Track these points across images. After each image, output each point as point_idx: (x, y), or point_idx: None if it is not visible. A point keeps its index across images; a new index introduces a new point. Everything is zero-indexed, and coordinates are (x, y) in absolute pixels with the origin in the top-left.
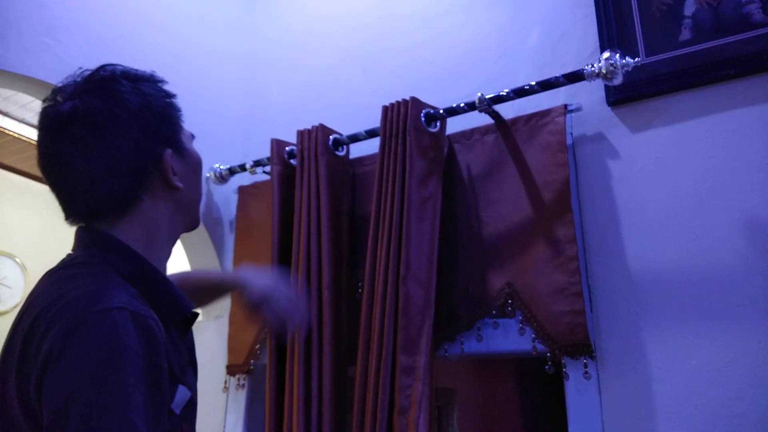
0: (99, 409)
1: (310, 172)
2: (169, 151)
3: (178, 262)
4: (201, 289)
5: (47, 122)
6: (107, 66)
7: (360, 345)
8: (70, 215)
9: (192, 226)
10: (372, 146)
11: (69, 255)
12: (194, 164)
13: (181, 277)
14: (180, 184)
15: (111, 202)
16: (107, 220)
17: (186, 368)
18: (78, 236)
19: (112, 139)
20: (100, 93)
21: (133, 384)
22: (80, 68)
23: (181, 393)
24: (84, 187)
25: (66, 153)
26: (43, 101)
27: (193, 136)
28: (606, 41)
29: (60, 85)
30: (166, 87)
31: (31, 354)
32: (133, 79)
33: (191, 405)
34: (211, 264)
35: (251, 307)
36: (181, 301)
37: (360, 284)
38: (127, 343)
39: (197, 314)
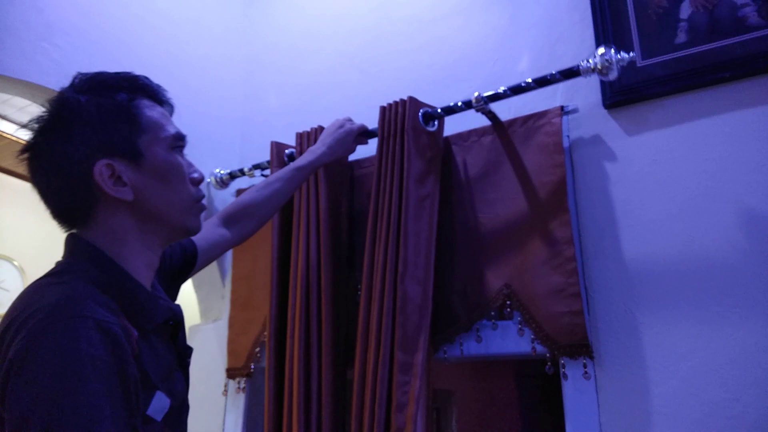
0: (59, 418)
1: None
2: (103, 161)
3: None
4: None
5: None
6: (78, 75)
7: (358, 343)
8: (56, 220)
9: (184, 233)
10: (370, 149)
11: (56, 263)
12: (159, 172)
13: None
14: (126, 196)
15: (66, 212)
16: (78, 226)
17: (171, 374)
18: (65, 243)
19: (49, 153)
20: (54, 105)
21: (96, 392)
22: (78, 73)
23: (159, 400)
24: (44, 197)
25: (29, 164)
26: None
27: (178, 139)
28: (602, 44)
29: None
30: (132, 83)
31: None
32: (86, 88)
33: (174, 411)
34: (209, 267)
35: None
36: (152, 309)
37: (359, 285)
38: (90, 352)
39: (177, 321)
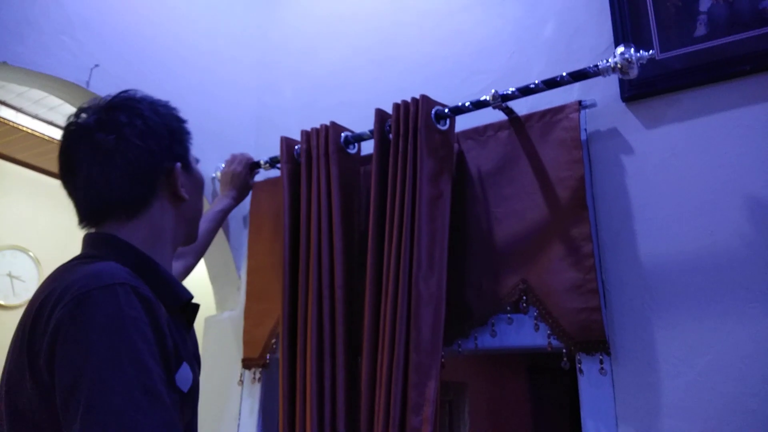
0: (111, 373)
1: (319, 171)
2: (179, 165)
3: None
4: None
5: (71, 133)
6: (129, 91)
7: (366, 343)
8: (84, 218)
9: (190, 239)
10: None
11: (78, 256)
12: (198, 183)
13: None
14: (186, 196)
15: (123, 204)
16: (117, 220)
17: (190, 358)
18: (85, 241)
19: (131, 146)
20: (123, 108)
21: (142, 350)
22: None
23: (185, 370)
24: (100, 189)
25: (86, 158)
26: (68, 118)
27: (197, 160)
28: (620, 36)
29: (84, 106)
30: (179, 114)
31: (39, 331)
32: (151, 102)
33: (193, 392)
34: (225, 259)
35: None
36: (178, 289)
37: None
38: (132, 313)
39: (197, 305)
